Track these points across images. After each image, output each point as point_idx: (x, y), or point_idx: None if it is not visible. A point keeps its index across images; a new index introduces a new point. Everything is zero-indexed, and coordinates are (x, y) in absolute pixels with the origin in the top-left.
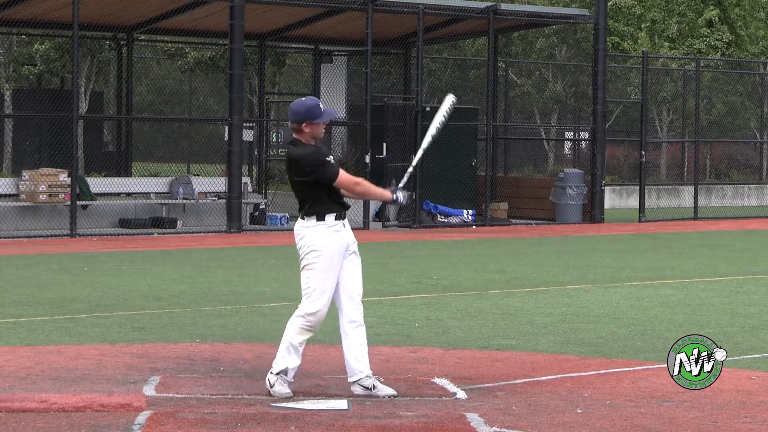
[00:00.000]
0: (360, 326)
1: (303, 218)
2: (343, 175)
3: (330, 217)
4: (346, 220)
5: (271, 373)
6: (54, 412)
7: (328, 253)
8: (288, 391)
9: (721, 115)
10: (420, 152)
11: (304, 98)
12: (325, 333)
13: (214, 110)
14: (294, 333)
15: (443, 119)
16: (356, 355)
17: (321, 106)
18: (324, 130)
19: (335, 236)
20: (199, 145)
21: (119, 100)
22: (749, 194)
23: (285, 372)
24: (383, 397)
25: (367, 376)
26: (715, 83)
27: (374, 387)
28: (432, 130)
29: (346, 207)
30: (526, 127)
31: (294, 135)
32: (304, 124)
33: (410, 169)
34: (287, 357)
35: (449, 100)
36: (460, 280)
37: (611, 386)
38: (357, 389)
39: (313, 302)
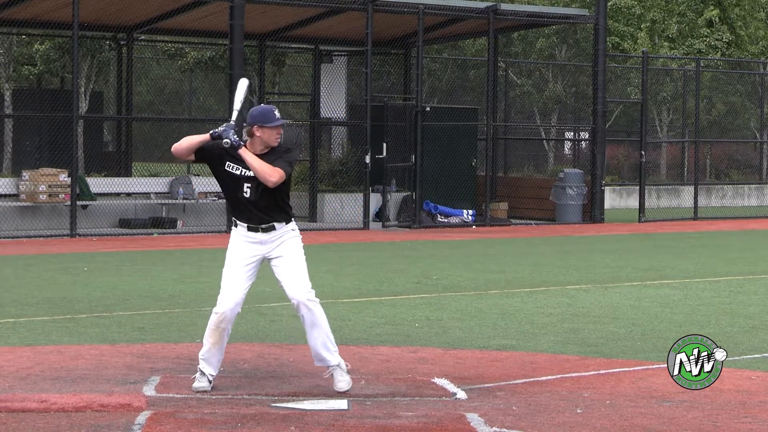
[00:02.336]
0: (306, 313)
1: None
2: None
3: (242, 227)
4: (270, 233)
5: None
6: (54, 412)
7: (232, 256)
8: (202, 384)
9: (721, 115)
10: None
11: (262, 104)
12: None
13: (214, 110)
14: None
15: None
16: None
17: (276, 113)
18: (278, 139)
19: (246, 244)
20: None
21: (119, 100)
22: (749, 194)
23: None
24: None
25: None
26: (715, 83)
27: (332, 375)
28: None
29: (263, 221)
30: (526, 127)
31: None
32: (256, 127)
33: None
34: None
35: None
36: (460, 280)
37: (611, 386)
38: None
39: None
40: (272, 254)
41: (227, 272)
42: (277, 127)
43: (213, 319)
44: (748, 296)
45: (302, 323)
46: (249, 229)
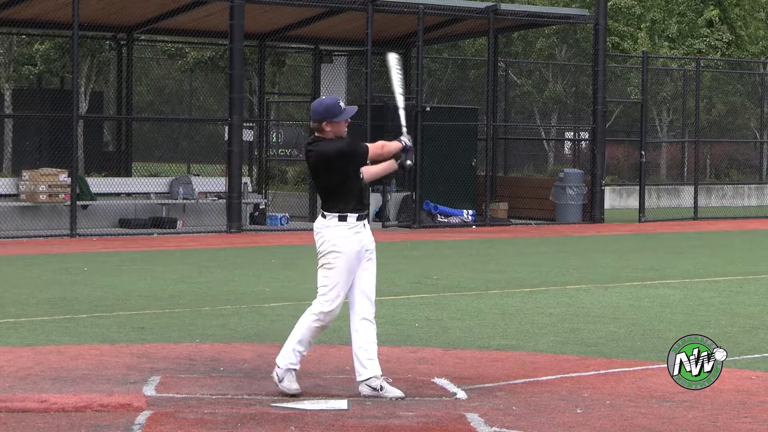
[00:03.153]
0: (372, 325)
1: (324, 216)
2: (371, 147)
3: (352, 218)
4: (366, 220)
5: (279, 367)
6: (54, 412)
7: (347, 254)
8: (297, 386)
9: (721, 115)
10: (399, 99)
11: (324, 97)
12: (325, 333)
13: (214, 110)
14: (306, 330)
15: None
16: (369, 354)
17: (341, 104)
18: (346, 128)
19: (355, 237)
20: (199, 145)
21: (119, 100)
22: (749, 194)
23: (294, 368)
24: (390, 398)
25: (375, 377)
26: (715, 83)
27: (382, 388)
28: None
29: (367, 207)
30: (526, 127)
31: (316, 134)
32: (325, 123)
33: (401, 112)
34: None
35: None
36: (460, 280)
37: (611, 386)
38: (364, 389)
39: (327, 301)
40: (369, 246)
41: (344, 272)
42: (345, 120)
43: (323, 319)
44: (748, 296)
45: (352, 325)
46: (358, 219)
